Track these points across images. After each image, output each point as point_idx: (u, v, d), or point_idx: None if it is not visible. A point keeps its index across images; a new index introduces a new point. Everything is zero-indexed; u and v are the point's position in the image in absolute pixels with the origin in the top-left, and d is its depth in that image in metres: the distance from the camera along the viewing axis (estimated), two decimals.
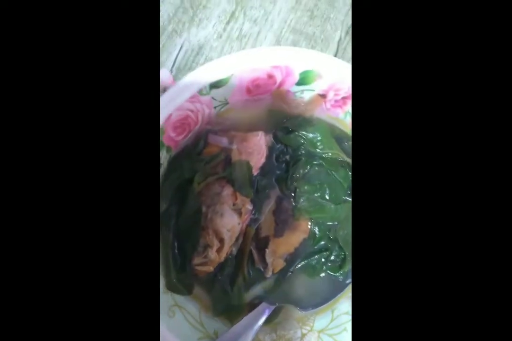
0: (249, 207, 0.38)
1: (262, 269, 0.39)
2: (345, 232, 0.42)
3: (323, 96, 0.40)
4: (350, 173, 0.42)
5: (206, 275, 0.38)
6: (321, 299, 0.41)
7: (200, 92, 0.35)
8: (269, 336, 0.40)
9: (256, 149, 0.37)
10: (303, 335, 0.41)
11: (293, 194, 0.40)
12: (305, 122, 0.40)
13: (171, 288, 0.37)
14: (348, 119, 0.42)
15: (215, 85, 0.35)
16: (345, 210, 0.42)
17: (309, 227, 0.41)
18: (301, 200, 0.40)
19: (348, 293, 0.42)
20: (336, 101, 0.40)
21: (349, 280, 0.42)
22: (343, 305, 0.42)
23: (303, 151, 0.40)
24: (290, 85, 0.38)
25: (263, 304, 0.39)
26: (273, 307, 0.39)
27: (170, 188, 0.37)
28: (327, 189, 0.41)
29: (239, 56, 0.35)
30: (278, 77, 0.37)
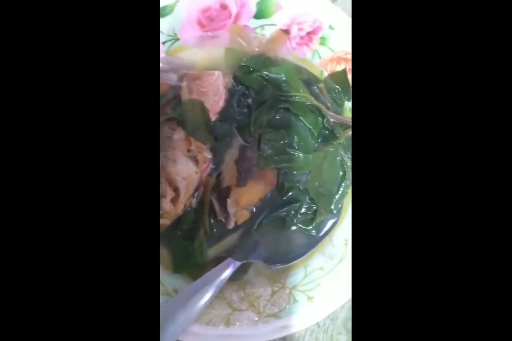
0: (208, 155, 0.35)
1: (224, 220, 0.36)
2: (316, 183, 0.39)
3: (286, 31, 0.36)
4: (320, 118, 0.39)
5: (163, 229, 0.35)
6: (293, 254, 0.39)
7: None
8: (236, 294, 0.37)
9: (211, 89, 0.34)
10: (274, 292, 0.38)
11: (257, 142, 0.37)
12: (269, 62, 0.37)
13: None
14: (317, 60, 0.38)
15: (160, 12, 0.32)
16: (316, 159, 0.39)
17: (276, 177, 0.38)
18: (266, 148, 0.37)
19: (321, 247, 0.39)
20: (301, 38, 0.37)
21: (322, 234, 0.39)
22: (316, 261, 0.39)
23: (267, 94, 0.37)
24: (248, 19, 0.35)
25: (228, 260, 0.36)
26: (239, 263, 0.36)
27: None
28: (294, 136, 0.38)
29: None
30: (233, 8, 0.33)
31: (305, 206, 0.39)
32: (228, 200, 0.36)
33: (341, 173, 0.40)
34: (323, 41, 0.36)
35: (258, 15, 0.34)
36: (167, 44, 0.34)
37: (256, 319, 0.36)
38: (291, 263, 0.38)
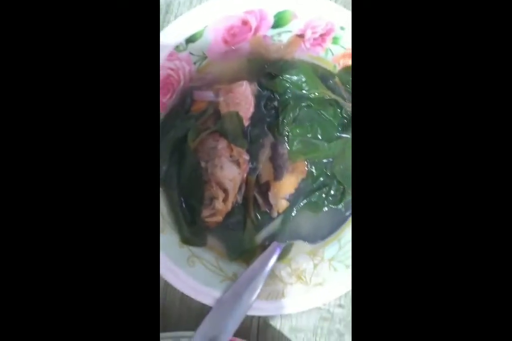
0: (246, 157, 0.39)
1: (268, 211, 0.41)
2: (341, 167, 0.44)
3: (301, 36, 0.39)
4: (339, 110, 0.43)
5: (216, 225, 0.40)
6: (327, 231, 0.44)
7: (177, 49, 0.35)
8: (284, 271, 0.43)
9: (243, 99, 0.38)
10: (315, 265, 0.44)
11: (286, 139, 0.42)
12: (287, 65, 0.40)
13: (186, 241, 0.40)
14: (330, 57, 0.42)
15: (190, 39, 0.35)
16: (339, 146, 0.43)
17: (306, 167, 0.42)
18: (295, 143, 0.41)
19: (350, 222, 0.45)
20: (314, 39, 0.40)
21: (350, 211, 0.45)
22: (348, 234, 0.44)
23: (290, 95, 0.40)
24: (266, 29, 0.37)
25: (274, 243, 0.42)
26: (283, 245, 0.42)
27: (165, 149, 0.38)
28: (318, 128, 0.42)
29: (209, 6, 0.34)
30: (253, 22, 0.36)
31: (333, 188, 0.44)
32: (269, 193, 0.41)
33: None
34: (335, 40, 0.40)
35: (276, 25, 0.37)
36: (197, 63, 0.37)
37: (305, 289, 0.42)
38: (326, 239, 0.44)
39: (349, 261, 0.43)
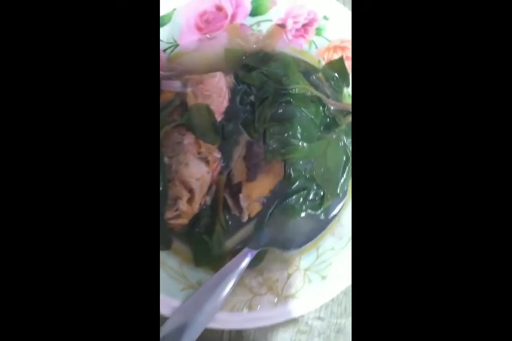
0: (217, 154, 0.36)
1: (238, 214, 0.38)
2: (322, 170, 0.41)
3: (281, 26, 0.36)
4: (321, 107, 0.40)
5: (182, 228, 0.37)
6: (305, 238, 0.41)
7: None
8: (255, 280, 0.40)
9: (215, 91, 0.35)
10: (290, 275, 0.41)
11: (262, 137, 0.38)
12: (267, 57, 0.37)
13: None
14: (314, 51, 0.39)
15: None
16: (320, 147, 0.40)
17: (283, 168, 0.39)
18: (272, 142, 0.38)
19: (330, 229, 0.42)
20: (297, 30, 0.37)
21: (330, 217, 0.41)
22: (327, 242, 0.41)
23: (268, 90, 0.37)
24: (243, 17, 0.35)
25: (245, 249, 0.39)
26: (255, 251, 0.39)
27: None
28: (298, 127, 0.39)
29: None
30: (228, 9, 0.33)
31: (312, 193, 0.41)
32: (240, 195, 0.37)
33: (344, 158, 0.41)
34: (318, 31, 0.37)
35: (254, 13, 0.34)
36: (168, 51, 0.34)
37: (276, 301, 0.39)
38: (303, 247, 0.41)
39: (325, 272, 0.40)
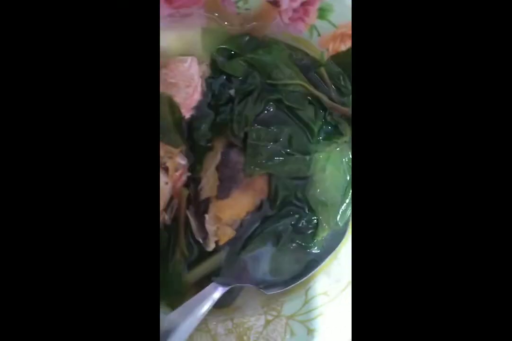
0: (181, 161, 0.29)
1: (201, 241, 0.30)
2: (318, 191, 0.33)
3: (274, 3, 0.29)
4: (322, 111, 0.32)
5: None
6: (291, 277, 0.33)
7: None
8: (222, 325, 0.32)
9: (183, 80, 0.27)
10: (268, 322, 0.32)
11: (243, 143, 0.31)
12: (254, 43, 0.30)
13: None
14: (315, 39, 0.31)
15: None
16: (317, 162, 0.33)
17: (267, 185, 0.31)
18: (254, 151, 0.30)
19: (325, 268, 0.33)
20: (294, 11, 0.29)
21: (326, 251, 0.33)
22: (319, 284, 0.33)
23: (253, 83, 0.30)
24: None
25: (213, 285, 0.30)
26: (226, 288, 0.30)
27: None
28: (289, 134, 0.31)
29: None
30: None
31: (304, 219, 0.32)
32: (207, 216, 0.29)
33: (348, 178, 0.33)
34: (322, 13, 0.29)
35: None
36: None
37: None
38: (288, 287, 0.32)
39: (314, 323, 0.32)
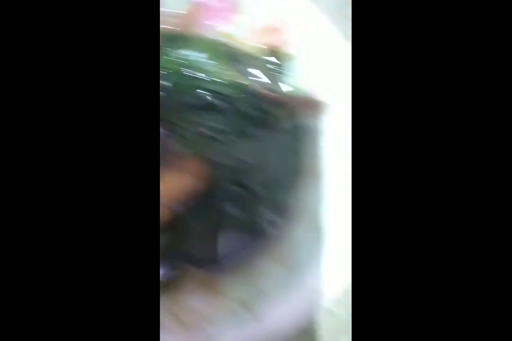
0: None
1: None
2: (265, 175, 0.33)
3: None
4: (255, 99, 0.34)
5: None
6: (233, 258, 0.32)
7: None
8: None
9: None
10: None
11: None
12: (181, 40, 0.33)
13: None
14: (242, 34, 0.34)
15: None
16: (258, 148, 0.33)
17: (201, 170, 0.32)
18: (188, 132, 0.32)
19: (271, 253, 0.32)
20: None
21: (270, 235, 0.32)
22: (266, 268, 0.32)
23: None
24: None
25: None
26: None
27: None
28: (222, 117, 0.32)
29: None
30: None
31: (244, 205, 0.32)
32: None
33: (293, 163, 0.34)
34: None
35: None
36: None
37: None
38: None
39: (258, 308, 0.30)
